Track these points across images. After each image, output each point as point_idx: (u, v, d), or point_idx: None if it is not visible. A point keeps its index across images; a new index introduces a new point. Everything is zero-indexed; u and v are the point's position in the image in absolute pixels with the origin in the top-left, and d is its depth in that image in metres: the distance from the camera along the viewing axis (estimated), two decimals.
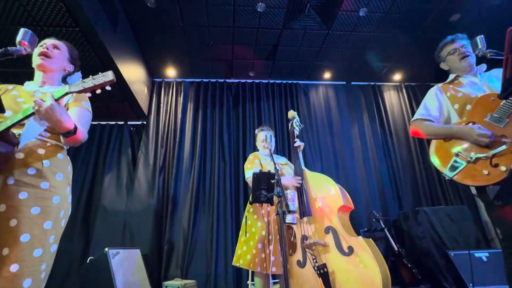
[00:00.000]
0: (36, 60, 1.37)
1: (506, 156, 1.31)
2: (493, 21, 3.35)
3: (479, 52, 1.51)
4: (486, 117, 1.42)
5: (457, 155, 1.46)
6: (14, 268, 0.99)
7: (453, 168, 1.45)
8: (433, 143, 1.62)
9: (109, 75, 1.13)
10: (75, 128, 1.19)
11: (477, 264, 2.65)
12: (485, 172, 1.34)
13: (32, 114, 1.12)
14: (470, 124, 1.48)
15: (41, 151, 1.20)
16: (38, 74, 1.40)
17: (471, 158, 1.39)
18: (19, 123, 1.12)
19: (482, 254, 2.68)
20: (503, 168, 1.29)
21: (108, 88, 1.18)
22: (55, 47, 1.42)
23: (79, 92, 1.15)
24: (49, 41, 1.41)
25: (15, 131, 1.15)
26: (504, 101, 1.34)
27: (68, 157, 1.35)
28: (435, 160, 1.56)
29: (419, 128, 1.70)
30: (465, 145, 1.46)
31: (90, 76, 1.17)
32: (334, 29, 3.51)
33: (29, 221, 1.07)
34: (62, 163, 1.26)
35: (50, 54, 1.38)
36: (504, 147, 1.32)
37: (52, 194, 1.16)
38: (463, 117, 1.55)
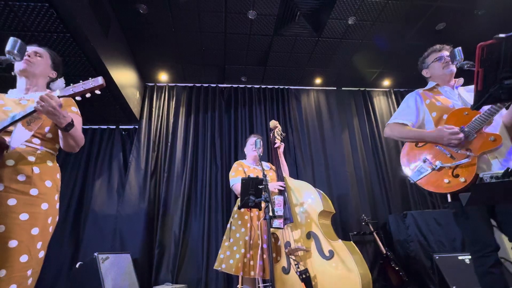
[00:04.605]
0: (19, 66, 1.36)
1: (467, 169, 1.40)
2: (476, 31, 3.47)
3: (457, 63, 1.56)
4: None
5: (424, 161, 1.55)
6: (0, 273, 1.01)
7: (418, 173, 1.54)
8: (405, 147, 1.70)
9: (98, 80, 1.19)
10: (72, 120, 1.24)
11: (460, 266, 2.72)
12: (446, 180, 1.43)
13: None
14: (439, 127, 1.55)
15: (31, 158, 1.22)
16: (21, 81, 1.39)
17: (436, 166, 1.48)
18: (5, 130, 1.14)
19: (465, 257, 2.75)
20: (462, 179, 1.38)
21: (97, 92, 1.22)
22: (37, 54, 1.42)
23: (69, 96, 1.18)
24: (30, 49, 1.41)
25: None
26: (476, 116, 1.41)
27: (58, 164, 1.37)
28: (403, 162, 1.65)
29: (393, 130, 1.79)
30: (434, 153, 1.54)
31: (80, 81, 1.20)
32: (324, 36, 3.59)
33: (17, 227, 1.08)
34: (51, 170, 1.28)
35: (32, 60, 1.38)
36: (467, 159, 1.41)
37: (40, 200, 1.18)
38: (439, 126, 1.60)
